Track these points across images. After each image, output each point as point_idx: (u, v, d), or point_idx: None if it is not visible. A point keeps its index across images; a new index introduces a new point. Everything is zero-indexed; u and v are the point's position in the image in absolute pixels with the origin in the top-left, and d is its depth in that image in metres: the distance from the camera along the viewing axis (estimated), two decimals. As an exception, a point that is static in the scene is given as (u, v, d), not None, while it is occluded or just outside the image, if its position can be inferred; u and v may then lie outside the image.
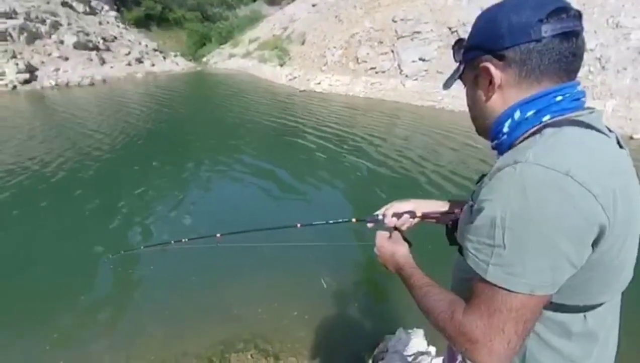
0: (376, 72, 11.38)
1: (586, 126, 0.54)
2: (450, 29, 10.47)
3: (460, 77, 0.66)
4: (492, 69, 0.58)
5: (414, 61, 10.61)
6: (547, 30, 0.53)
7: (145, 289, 2.66)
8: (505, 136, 0.60)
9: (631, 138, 6.72)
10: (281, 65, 15.19)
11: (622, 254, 0.54)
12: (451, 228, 0.79)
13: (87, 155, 5.49)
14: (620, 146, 0.57)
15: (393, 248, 0.80)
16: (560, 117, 0.56)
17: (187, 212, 3.77)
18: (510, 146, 0.59)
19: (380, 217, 0.92)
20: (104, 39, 18.12)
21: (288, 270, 2.78)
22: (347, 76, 11.93)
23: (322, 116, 8.63)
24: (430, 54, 10.50)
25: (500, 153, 0.61)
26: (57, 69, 14.22)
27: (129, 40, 19.95)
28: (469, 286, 0.56)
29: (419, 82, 10.44)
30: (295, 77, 13.46)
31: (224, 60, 21.27)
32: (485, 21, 0.60)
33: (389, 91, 10.76)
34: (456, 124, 7.61)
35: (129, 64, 17.85)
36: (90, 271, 2.80)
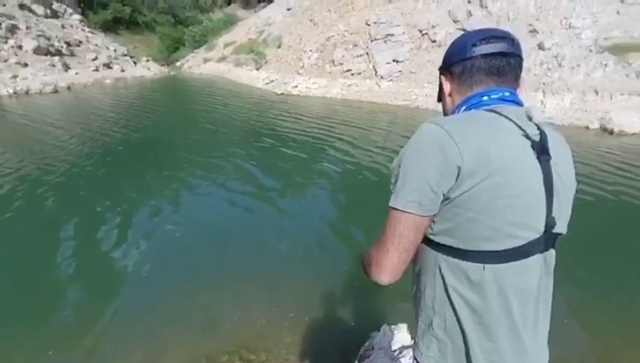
0: (352, 74, 11.68)
1: (493, 112, 0.71)
2: (420, 31, 10.95)
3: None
4: (443, 79, 0.82)
5: (388, 63, 10.99)
6: (475, 51, 0.74)
7: (121, 300, 2.53)
8: None
9: (587, 128, 7.34)
10: (258, 69, 15.20)
11: (498, 201, 0.64)
12: None
13: (47, 166, 5.07)
14: (541, 132, 0.71)
15: None
16: (482, 109, 0.74)
17: (159, 224, 3.62)
18: None
19: None
20: (67, 43, 17.30)
21: (270, 278, 2.74)
22: (324, 78, 12.15)
23: (301, 118, 8.74)
24: (403, 56, 10.92)
25: None
26: (15, 76, 13.42)
27: (96, 45, 19.19)
28: None
29: (393, 83, 10.82)
30: (272, 81, 13.53)
31: (199, 64, 20.96)
32: (449, 46, 0.83)
33: (366, 91, 11.08)
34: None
35: (97, 70, 17.17)
36: (57, 287, 2.67)
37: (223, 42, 20.93)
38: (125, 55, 20.40)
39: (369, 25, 11.68)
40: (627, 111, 7.14)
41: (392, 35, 11.13)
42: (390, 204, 0.69)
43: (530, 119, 0.72)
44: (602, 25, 8.93)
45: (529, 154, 0.68)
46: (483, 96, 0.74)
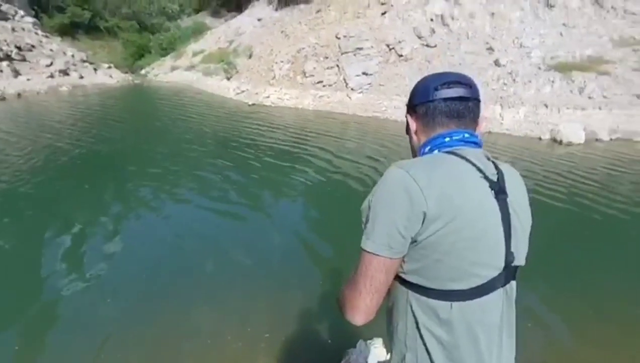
0: (323, 86, 11.88)
1: (454, 154, 0.77)
2: (388, 45, 11.41)
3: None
4: (409, 118, 0.88)
5: (358, 75, 11.31)
6: (437, 94, 0.81)
7: (74, 328, 2.36)
8: None
9: (540, 138, 7.98)
10: (228, 78, 15.02)
11: (460, 243, 0.69)
12: None
13: None
14: (498, 171, 0.78)
15: None
16: (445, 150, 0.80)
17: (118, 244, 3.41)
18: None
19: None
20: (18, 47, 16.03)
21: (243, 298, 2.68)
22: (296, 89, 12.25)
23: (274, 128, 8.73)
24: (372, 69, 11.30)
25: None
26: (-46, 82, 12.23)
27: (51, 50, 17.94)
28: None
29: (364, 95, 11.14)
30: (243, 91, 13.42)
31: (166, 72, 20.31)
32: (414, 87, 0.89)
33: (337, 103, 11.30)
34: (397, 132, 8.27)
35: (51, 76, 16.06)
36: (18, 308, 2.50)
37: (192, 51, 20.48)
38: (85, 61, 19.28)
39: (339, 38, 11.99)
40: (572, 123, 7.86)
41: (361, 48, 11.50)
42: (362, 246, 0.73)
43: (488, 158, 0.79)
44: (549, 46, 9.83)
45: (488, 194, 0.74)
46: (445, 138, 0.80)
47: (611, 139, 7.64)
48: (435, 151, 0.80)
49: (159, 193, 4.72)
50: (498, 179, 0.76)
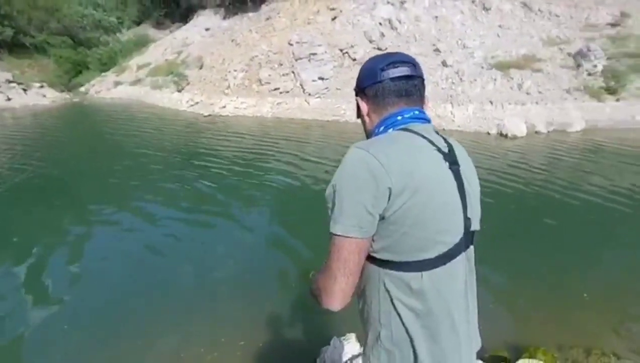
0: (280, 93, 11.70)
1: (408, 131, 0.79)
2: (341, 50, 11.57)
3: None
4: (360, 101, 0.88)
5: (314, 80, 11.30)
6: (384, 75, 0.82)
7: (37, 347, 2.25)
8: None
9: (488, 133, 8.48)
10: (180, 90, 14.27)
11: (424, 214, 0.72)
12: None
13: None
14: (448, 144, 0.83)
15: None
16: (398, 128, 0.82)
17: (79, 260, 3.24)
18: None
19: None
20: None
21: (215, 307, 2.64)
22: (253, 97, 11.94)
23: (233, 138, 8.41)
24: (328, 73, 11.36)
25: None
26: None
27: (-32, 72, 15.92)
28: None
29: (321, 100, 11.14)
30: (197, 103, 12.80)
31: (109, 88, 18.83)
32: (360, 70, 0.90)
33: (295, 109, 11.17)
34: (358, 132, 8.33)
35: (-29, 100, 14.21)
36: None
37: (136, 64, 19.24)
38: (11, 81, 17.27)
39: (291, 45, 11.91)
40: (514, 118, 8.46)
41: (315, 54, 11.52)
42: (331, 230, 0.73)
43: (437, 133, 0.83)
44: (488, 46, 10.58)
45: (443, 166, 0.78)
46: (397, 116, 0.82)
47: (548, 132, 8.33)
48: (390, 130, 0.81)
49: (121, 208, 4.47)
50: (449, 151, 0.81)
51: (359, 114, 0.90)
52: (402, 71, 0.82)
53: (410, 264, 0.74)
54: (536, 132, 8.22)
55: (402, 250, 0.73)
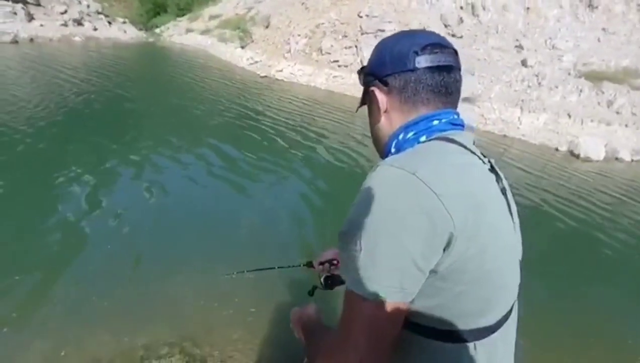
0: (339, 66, 11.39)
1: (452, 142, 0.59)
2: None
3: (364, 102, 0.70)
4: (377, 92, 0.64)
5: (376, 59, 10.80)
6: (420, 61, 0.60)
7: (58, 283, 2.34)
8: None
9: (557, 149, 7.58)
10: (242, 47, 14.51)
11: (487, 264, 0.53)
12: None
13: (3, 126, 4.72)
14: (493, 169, 0.63)
15: (299, 313, 0.80)
16: (434, 137, 0.61)
17: (112, 201, 3.40)
18: None
19: (314, 265, 1.02)
20: (33, -10, 15.71)
21: (224, 267, 2.57)
22: (310, 66, 11.78)
23: (283, 106, 8.42)
24: (391, 54, 10.76)
25: None
26: (-35, 19, 12.01)
27: (67, -3, 17.54)
28: None
29: (379, 80, 10.66)
30: (256, 62, 12.96)
31: (180, 34, 19.74)
32: (377, 50, 0.67)
33: (350, 85, 10.85)
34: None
35: (65, 25, 15.73)
36: None
37: (208, 14, 19.78)
38: (100, 13, 18.83)
39: (360, 17, 11.37)
40: (593, 138, 7.42)
41: (383, 31, 10.89)
42: (355, 290, 0.50)
43: (473, 143, 0.64)
44: (583, 51, 9.19)
45: (498, 191, 0.60)
46: (433, 120, 0.61)
47: (632, 160, 7.21)
48: (423, 138, 0.61)
49: (160, 155, 4.66)
50: (492, 167, 0.63)
51: (370, 110, 0.68)
52: (444, 58, 0.60)
53: (462, 333, 0.54)
54: (617, 158, 7.16)
55: (452, 315, 0.53)
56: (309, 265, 1.04)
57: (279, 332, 2.14)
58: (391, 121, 0.64)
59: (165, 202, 3.52)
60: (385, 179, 0.51)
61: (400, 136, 0.62)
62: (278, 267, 1.19)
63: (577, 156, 7.16)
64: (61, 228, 2.92)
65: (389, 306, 0.49)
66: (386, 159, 0.57)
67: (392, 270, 0.48)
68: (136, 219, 3.17)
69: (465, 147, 0.59)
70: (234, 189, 4.03)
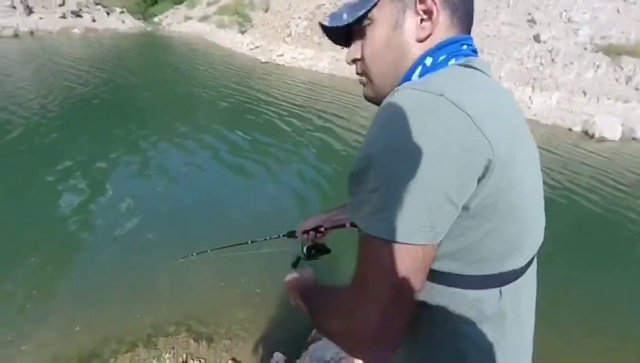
0: (342, 48, 10.98)
1: (472, 67, 0.51)
2: (416, 9, 10.32)
3: (359, 23, 0.54)
4: (419, 5, 0.51)
5: (379, 40, 10.40)
6: None
7: (72, 265, 2.40)
8: None
9: (570, 129, 7.23)
10: (242, 32, 14.14)
11: (520, 199, 0.46)
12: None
13: (10, 117, 4.73)
14: None
15: (294, 281, 0.75)
16: (460, 62, 0.52)
17: (122, 186, 3.45)
18: None
19: (297, 234, 0.96)
20: (30, -17, 15.47)
21: (241, 250, 2.66)
22: (312, 49, 11.42)
23: (285, 92, 8.22)
24: (396, 34, 10.34)
25: None
26: (-34, 15, 11.95)
27: (63, -12, 17.27)
28: None
29: (383, 62, 10.29)
30: (256, 47, 12.63)
31: (179, 22, 19.37)
32: None
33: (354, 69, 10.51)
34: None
35: (64, 17, 15.55)
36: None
37: (206, 0, 19.31)
38: (97, 4, 18.57)
39: (363, -4, 10.90)
40: (610, 117, 7.04)
41: (386, 10, 10.45)
42: (375, 233, 0.42)
43: None
44: (601, 23, 8.65)
45: (523, 118, 0.53)
46: (462, 44, 0.53)
47: (651, 140, 6.84)
48: (452, 62, 0.51)
49: (165, 142, 4.72)
50: None
51: (388, 37, 0.53)
52: None
53: (487, 278, 0.47)
54: (634, 138, 6.79)
55: (477, 258, 0.46)
56: (291, 235, 1.00)
57: (283, 308, 2.14)
58: (420, 38, 0.51)
59: (172, 186, 3.59)
60: (407, 103, 0.42)
61: (428, 61, 0.51)
62: (255, 241, 1.19)
63: (592, 136, 6.81)
64: (74, 214, 3.00)
65: (417, 249, 0.42)
66: (403, 84, 0.48)
67: (421, 206, 0.41)
68: (145, 203, 3.23)
69: (486, 75, 0.52)
70: (238, 172, 4.04)
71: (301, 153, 4.81)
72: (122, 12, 19.81)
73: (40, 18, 14.56)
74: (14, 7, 13.90)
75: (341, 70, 10.60)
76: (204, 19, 17.81)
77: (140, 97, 6.97)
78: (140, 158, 4.18)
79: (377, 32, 0.53)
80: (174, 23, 19.64)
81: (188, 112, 6.07)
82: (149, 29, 18.84)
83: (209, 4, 18.78)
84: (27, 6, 14.41)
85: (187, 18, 19.17)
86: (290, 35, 12.16)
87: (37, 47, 10.99)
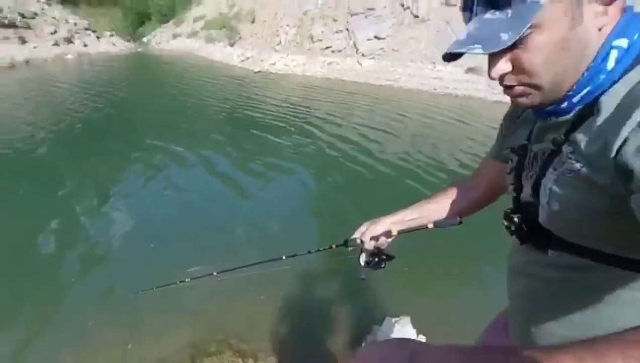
0: (332, 51, 11.10)
1: None
2: (402, 5, 10.41)
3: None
4: None
5: (369, 39, 10.47)
6: None
7: (105, 282, 2.39)
8: (605, 75, 0.45)
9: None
10: (232, 45, 14.27)
11: None
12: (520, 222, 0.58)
13: (11, 145, 4.77)
14: None
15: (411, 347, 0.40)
16: None
17: (143, 201, 3.51)
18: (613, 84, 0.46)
19: (359, 241, 0.83)
20: (22, 15, 15.60)
21: (270, 267, 2.66)
22: (303, 55, 11.51)
23: (280, 99, 8.26)
24: (385, 32, 10.41)
25: (587, 102, 0.48)
26: (-37, 50, 12.08)
27: (54, 18, 17.42)
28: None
29: (375, 61, 10.36)
30: (247, 58, 12.73)
31: (168, 40, 19.53)
32: None
33: (347, 70, 10.59)
34: (413, 101, 7.69)
35: (57, 44, 15.68)
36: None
37: (193, 17, 19.47)
38: (87, 29, 18.71)
39: (348, -2, 11.01)
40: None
41: (372, 9, 10.53)
42: None
43: None
44: None
45: None
46: None
47: None
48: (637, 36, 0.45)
49: (171, 159, 4.73)
50: None
51: (563, 33, 0.44)
52: None
53: None
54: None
55: None
56: (350, 244, 0.85)
57: (325, 323, 2.11)
58: (605, 28, 0.45)
59: (186, 200, 3.62)
60: None
61: (623, 43, 0.44)
62: (309, 252, 1.01)
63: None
64: (95, 218, 3.08)
65: None
66: None
67: None
68: (173, 219, 3.23)
69: None
70: (262, 188, 4.04)
71: (309, 163, 4.83)
72: (111, 35, 19.98)
73: (35, 47, 14.69)
74: (8, 38, 14.06)
75: (334, 73, 10.68)
76: (192, 35, 17.96)
77: (135, 117, 6.98)
78: (164, 172, 4.27)
79: (547, 37, 0.45)
80: (162, 41, 19.80)
81: (186, 128, 6.05)
82: (139, 49, 18.98)
83: (195, 20, 18.93)
84: (21, 37, 14.56)
85: (176, 35, 19.34)
86: (280, 43, 12.26)
87: (33, 75, 11.09)
